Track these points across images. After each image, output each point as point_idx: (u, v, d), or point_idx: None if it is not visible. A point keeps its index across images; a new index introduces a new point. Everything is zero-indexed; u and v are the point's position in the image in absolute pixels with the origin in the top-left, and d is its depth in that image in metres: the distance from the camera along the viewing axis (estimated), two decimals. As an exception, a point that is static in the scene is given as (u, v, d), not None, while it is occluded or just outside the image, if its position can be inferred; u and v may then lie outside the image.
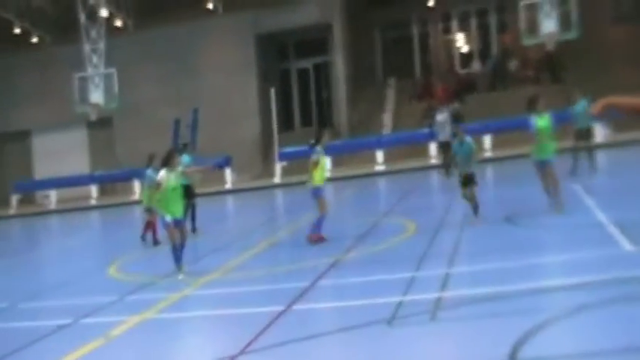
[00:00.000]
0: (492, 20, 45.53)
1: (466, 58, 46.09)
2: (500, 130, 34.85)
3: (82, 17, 42.22)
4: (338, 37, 42.80)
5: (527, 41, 36.49)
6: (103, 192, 45.41)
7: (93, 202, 42.76)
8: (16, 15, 46.17)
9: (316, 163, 16.00)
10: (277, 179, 38.40)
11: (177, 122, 43.86)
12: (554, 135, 16.01)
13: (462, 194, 16.41)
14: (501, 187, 24.40)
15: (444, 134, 27.90)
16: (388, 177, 34.37)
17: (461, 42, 46.52)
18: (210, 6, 44.27)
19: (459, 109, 38.57)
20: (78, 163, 47.54)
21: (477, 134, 35.22)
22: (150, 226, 19.42)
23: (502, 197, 21.06)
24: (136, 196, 38.33)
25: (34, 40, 48.14)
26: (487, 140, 36.03)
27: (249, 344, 8.98)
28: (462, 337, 8.49)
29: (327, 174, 16.55)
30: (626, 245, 11.78)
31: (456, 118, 29.75)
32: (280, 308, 10.51)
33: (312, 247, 15.54)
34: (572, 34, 35.17)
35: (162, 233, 16.67)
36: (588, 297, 9.30)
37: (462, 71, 45.10)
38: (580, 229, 13.93)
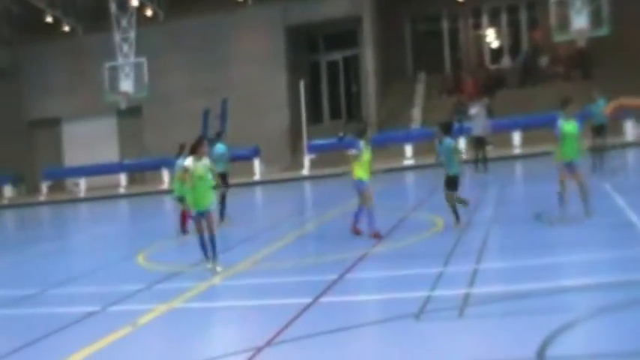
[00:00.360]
0: (523, 16, 45.26)
1: (496, 54, 45.85)
2: (529, 127, 34.68)
3: (113, 6, 42.45)
4: (368, 30, 42.71)
5: (558, 37, 36.25)
6: (132, 180, 45.66)
7: (122, 190, 42.99)
8: (48, 4, 46.47)
9: (357, 157, 15.82)
10: (306, 171, 38.44)
11: (206, 113, 43.93)
12: (581, 138, 15.64)
13: (445, 197, 16.01)
14: (530, 184, 24.27)
15: (478, 128, 27.70)
16: (417, 171, 34.29)
17: (491, 37, 46.29)
18: (240, -3, 44.43)
19: (489, 104, 38.42)
20: (107, 151, 47.80)
21: (506, 130, 35.22)
22: (185, 215, 19.33)
23: (531, 194, 20.96)
24: (165, 185, 38.57)
25: (66, 29, 48.44)
26: (516, 137, 35.90)
27: (276, 336, 8.99)
28: (490, 334, 8.46)
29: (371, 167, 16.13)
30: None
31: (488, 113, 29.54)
32: (307, 300, 10.52)
33: (340, 240, 15.51)
34: (603, 31, 34.88)
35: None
36: (617, 297, 9.23)
37: (491, 67, 44.89)
38: (610, 228, 13.85)
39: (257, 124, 42.35)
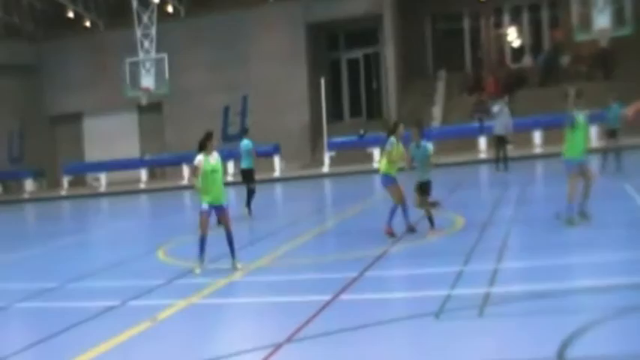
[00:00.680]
0: (544, 15, 45.07)
1: (517, 53, 45.71)
2: (550, 126, 34.47)
3: (135, 2, 42.58)
4: (388, 27, 42.64)
5: (580, 37, 36.08)
6: (152, 176, 45.82)
7: (142, 185, 43.14)
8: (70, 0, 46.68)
9: (390, 153, 15.74)
10: (326, 169, 38.45)
11: (226, 109, 44.14)
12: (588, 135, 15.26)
13: (417, 204, 15.59)
14: (551, 184, 24.15)
15: (500, 127, 27.60)
16: (437, 170, 34.10)
17: (512, 36, 46.12)
18: (261, -6, 44.48)
19: (508, 103, 38.29)
20: (128, 146, 48.00)
21: (527, 130, 35.10)
22: None
23: (552, 194, 20.83)
24: (185, 181, 38.64)
25: (87, 24, 48.70)
26: (537, 136, 35.76)
27: (295, 332, 8.99)
28: (510, 334, 8.43)
29: (402, 164, 15.95)
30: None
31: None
32: (327, 298, 10.52)
33: (360, 238, 15.50)
34: (625, 31, 34.69)
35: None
36: (638, 298, 9.19)
37: (513, 66, 44.73)
38: (631, 228, 13.78)
39: (277, 121, 42.39)
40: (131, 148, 48.23)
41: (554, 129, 33.42)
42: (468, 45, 46.44)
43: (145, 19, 42.75)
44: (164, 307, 11.14)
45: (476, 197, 22.87)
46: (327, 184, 34.89)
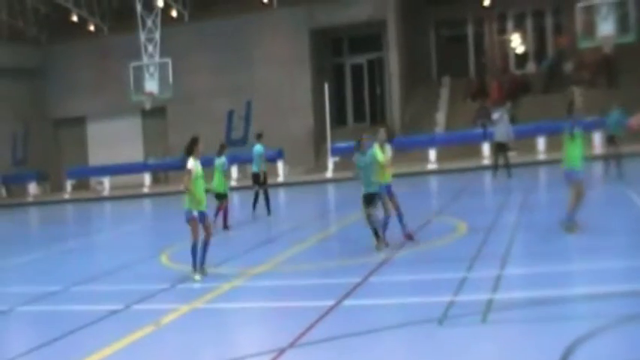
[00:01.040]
0: (548, 21, 45.07)
1: (521, 59, 45.68)
2: (553, 133, 34.47)
3: (139, 7, 42.60)
4: (392, 33, 42.65)
5: (584, 44, 36.02)
6: (155, 180, 45.85)
7: (146, 189, 43.17)
8: (74, 4, 46.77)
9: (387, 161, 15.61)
10: (329, 174, 38.48)
11: (230, 114, 44.21)
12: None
13: (364, 214, 15.00)
14: (554, 191, 24.13)
15: (501, 134, 27.61)
16: (440, 176, 34.24)
17: (516, 42, 46.11)
18: (265, -1, 44.54)
19: (511, 110, 38.30)
20: (131, 151, 48.05)
21: (531, 136, 35.11)
22: (225, 211, 20.51)
23: (556, 200, 20.84)
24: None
25: (91, 28, 48.78)
26: (540, 142, 35.76)
27: (299, 338, 9.01)
28: (513, 341, 8.44)
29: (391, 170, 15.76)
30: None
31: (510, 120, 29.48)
32: (330, 303, 10.52)
33: (363, 243, 15.47)
34: (629, 37, 34.65)
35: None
36: (642, 305, 9.22)
37: (516, 72, 44.73)
38: (634, 236, 13.78)
39: (281, 126, 42.40)
40: (135, 152, 48.28)
41: (558, 135, 33.54)
42: (472, 51, 46.43)
43: (149, 23, 42.79)
44: (167, 311, 11.16)
45: (479, 203, 22.85)
46: (331, 189, 34.88)
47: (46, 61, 50.14)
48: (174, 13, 45.79)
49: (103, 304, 12.21)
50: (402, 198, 24.70)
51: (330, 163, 39.06)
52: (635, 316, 8.73)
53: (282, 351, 8.58)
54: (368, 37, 45.80)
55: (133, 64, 42.70)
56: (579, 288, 10.28)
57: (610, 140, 24.29)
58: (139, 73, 42.55)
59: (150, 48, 42.75)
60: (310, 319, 9.75)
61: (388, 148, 15.43)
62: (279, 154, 39.62)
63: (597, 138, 32.14)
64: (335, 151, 39.28)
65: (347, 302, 10.66)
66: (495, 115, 29.13)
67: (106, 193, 44.30)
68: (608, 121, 24.31)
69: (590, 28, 35.35)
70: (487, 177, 28.68)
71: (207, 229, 13.84)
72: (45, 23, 50.79)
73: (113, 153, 47.63)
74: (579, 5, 35.67)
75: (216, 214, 20.47)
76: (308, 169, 41.91)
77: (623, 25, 34.79)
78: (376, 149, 15.24)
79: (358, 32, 45.45)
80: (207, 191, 14.28)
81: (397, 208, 15.40)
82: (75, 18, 47.56)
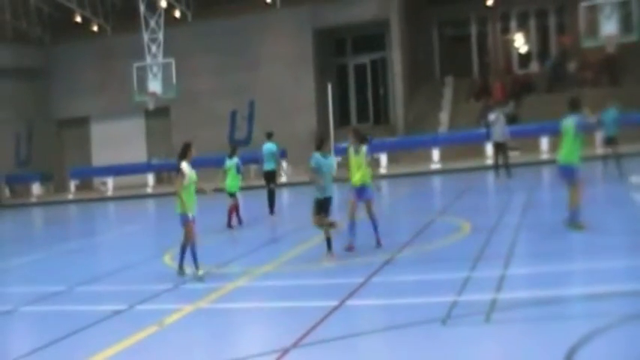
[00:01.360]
0: (552, 21, 45.01)
1: (524, 59, 45.64)
2: (557, 132, 34.41)
3: (142, 7, 42.60)
4: (395, 33, 42.62)
5: (587, 43, 35.93)
6: (159, 180, 45.87)
7: (149, 190, 43.18)
8: (78, 4, 46.80)
9: (371, 163, 15.60)
10: (333, 174, 38.38)
11: (233, 114, 44.20)
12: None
13: (316, 222, 14.64)
14: (558, 190, 24.10)
15: (498, 134, 27.69)
16: (443, 176, 34.23)
17: (519, 42, 46.05)
18: (268, -1, 44.53)
19: (514, 109, 38.29)
20: (135, 151, 48.08)
21: (534, 136, 35.08)
22: (233, 210, 21.02)
23: (559, 200, 20.82)
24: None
25: (95, 28, 48.78)
26: (544, 142, 35.72)
27: (302, 338, 9.02)
28: (517, 340, 8.44)
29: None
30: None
31: (512, 120, 29.56)
32: (334, 303, 10.53)
33: (366, 243, 15.47)
34: (633, 37, 34.58)
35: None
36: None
37: (520, 71, 44.70)
38: (637, 235, 13.76)
39: (284, 126, 42.35)
40: (138, 153, 48.31)
41: (561, 135, 33.50)
42: (475, 51, 46.40)
43: (153, 23, 42.78)
44: (171, 311, 11.18)
45: (482, 203, 22.85)
46: (334, 189, 34.76)
47: (50, 61, 50.19)
48: (177, 14, 45.80)
49: (107, 304, 12.24)
50: (406, 197, 24.84)
51: (334, 162, 39.00)
52: (639, 316, 8.73)
53: (285, 351, 8.59)
54: (371, 37, 45.80)
55: (137, 64, 42.69)
56: (583, 287, 10.27)
57: (609, 140, 24.23)
58: (142, 73, 42.53)
59: (153, 48, 42.75)
60: (314, 319, 9.75)
61: (364, 149, 15.31)
62: (282, 154, 39.61)
63: (599, 138, 32.04)
64: (338, 152, 39.23)
65: (350, 302, 10.67)
66: (491, 117, 29.14)
67: (109, 193, 44.30)
68: (604, 120, 24.17)
69: (593, 28, 35.27)
70: (490, 177, 28.66)
71: (194, 232, 13.92)
72: (48, 24, 50.83)
73: (116, 153, 47.65)
74: (583, 5, 35.58)
75: (230, 214, 21.05)
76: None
77: (626, 24, 34.70)
78: (349, 152, 15.41)
79: (361, 32, 45.46)
80: (198, 192, 14.33)
81: (372, 214, 15.23)
82: (78, 18, 47.57)
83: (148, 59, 42.52)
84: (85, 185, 48.32)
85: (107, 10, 49.29)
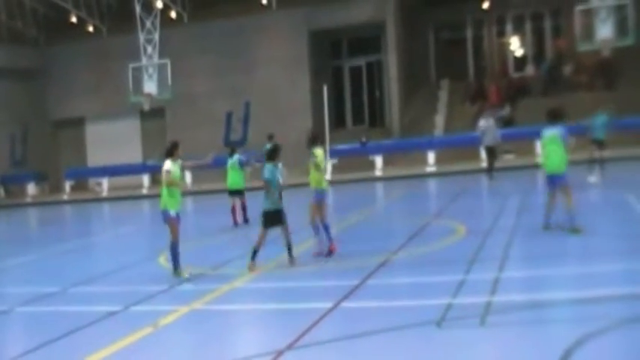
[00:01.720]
0: (547, 24, 45.14)
1: (520, 62, 45.75)
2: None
3: (138, 8, 42.60)
4: (391, 36, 42.68)
5: (583, 47, 36.02)
6: (154, 181, 45.82)
7: (144, 191, 43.15)
8: (73, 4, 46.75)
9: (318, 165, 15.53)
10: (328, 176, 38.36)
11: (229, 115, 44.22)
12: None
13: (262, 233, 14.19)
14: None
15: (488, 138, 27.80)
16: (439, 178, 34.26)
17: (515, 45, 46.17)
18: (264, 1, 44.42)
19: (510, 113, 38.31)
20: (130, 152, 48.05)
21: (529, 139, 35.11)
22: (236, 208, 21.66)
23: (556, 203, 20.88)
24: (188, 187, 38.76)
25: (90, 29, 48.75)
26: (539, 145, 35.68)
27: (297, 340, 9.01)
28: (511, 343, 8.44)
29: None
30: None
31: (508, 122, 29.64)
32: (329, 305, 10.53)
33: (361, 245, 15.49)
34: (628, 41, 34.66)
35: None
36: (640, 308, 9.23)
37: (515, 75, 44.77)
38: (631, 239, 13.78)
39: (279, 128, 42.26)
40: (133, 154, 48.27)
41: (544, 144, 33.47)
42: (471, 54, 46.50)
43: (148, 24, 42.78)
44: (166, 312, 11.17)
45: (477, 206, 22.88)
46: (330, 191, 34.79)
47: (45, 62, 50.13)
48: (173, 15, 45.80)
49: (102, 305, 12.22)
50: (401, 199, 24.88)
51: (329, 165, 39.06)
52: (633, 319, 8.74)
53: (280, 353, 8.58)
54: (367, 40, 45.86)
55: (132, 65, 42.69)
56: (577, 291, 10.27)
57: (597, 143, 24.44)
58: (137, 74, 42.54)
59: (149, 49, 42.75)
60: (309, 321, 9.75)
61: (319, 152, 15.38)
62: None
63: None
64: (333, 154, 39.29)
65: (345, 304, 10.67)
66: (482, 123, 29.21)
67: (104, 194, 44.30)
68: (593, 125, 24.45)
69: (588, 31, 35.35)
70: (485, 179, 28.72)
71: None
72: (43, 24, 50.78)
73: (112, 154, 47.65)
74: (578, 8, 35.69)
75: (234, 212, 21.81)
76: (306, 171, 41.79)
77: (621, 28, 34.79)
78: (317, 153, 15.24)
79: (357, 34, 45.51)
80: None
81: (323, 220, 15.09)
82: (74, 19, 47.54)
83: (144, 60, 42.54)
84: (80, 186, 48.28)
85: (103, 10, 49.27)
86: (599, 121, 24.26)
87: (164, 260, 16.40)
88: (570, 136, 15.10)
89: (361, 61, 46.88)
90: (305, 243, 16.48)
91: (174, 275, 13.82)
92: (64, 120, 50.43)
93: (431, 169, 37.18)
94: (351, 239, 16.78)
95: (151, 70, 42.41)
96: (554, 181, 15.03)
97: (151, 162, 45.89)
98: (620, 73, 38.79)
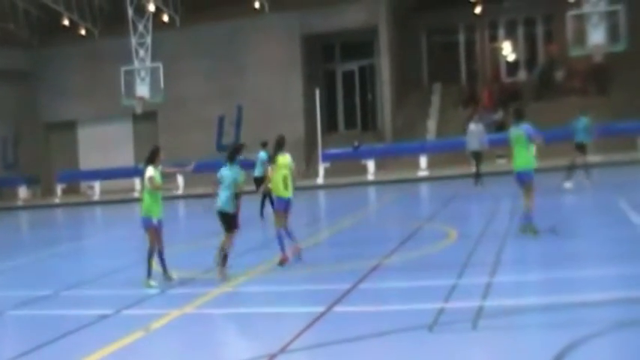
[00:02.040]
0: (539, 29, 45.20)
1: (512, 67, 45.77)
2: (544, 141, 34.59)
3: (130, 11, 42.56)
4: (384, 40, 42.71)
5: (575, 52, 36.06)
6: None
7: (136, 194, 43.04)
8: (65, 7, 46.69)
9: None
10: (320, 180, 38.48)
11: (221, 119, 44.16)
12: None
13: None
14: (544, 198, 24.17)
15: (475, 143, 27.91)
16: (431, 183, 34.30)
17: (507, 50, 46.20)
18: (257, 4, 44.40)
19: (502, 117, 38.35)
20: (122, 155, 47.98)
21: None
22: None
23: (546, 207, 20.90)
24: (180, 191, 38.73)
25: (83, 32, 48.66)
26: (531, 150, 35.78)
27: (289, 344, 9.00)
28: (503, 348, 8.45)
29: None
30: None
31: (499, 127, 29.69)
32: (321, 309, 10.53)
33: (353, 250, 15.49)
34: (620, 46, 34.72)
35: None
36: (632, 313, 9.22)
37: (507, 79, 44.83)
38: (625, 243, 13.80)
39: (272, 132, 41.82)
40: (126, 157, 48.16)
41: (549, 143, 33.55)
42: (463, 58, 46.53)
43: (141, 27, 42.73)
44: (157, 316, 11.15)
45: (469, 210, 22.91)
46: (322, 195, 34.89)
47: (37, 64, 50.00)
48: (165, 18, 45.74)
49: (93, 308, 12.19)
50: (393, 204, 24.89)
51: (321, 169, 39.08)
52: (624, 323, 8.76)
53: (272, 357, 8.57)
54: (360, 44, 45.82)
55: (124, 68, 42.63)
56: (569, 295, 10.29)
57: (579, 147, 24.34)
58: (130, 77, 42.48)
59: (141, 52, 42.70)
60: (300, 325, 9.75)
61: (283, 159, 15.27)
62: (270, 160, 39.58)
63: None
64: (326, 158, 39.31)
65: (337, 308, 10.66)
66: (471, 127, 29.27)
67: (96, 197, 44.21)
68: (575, 129, 24.41)
69: (580, 37, 35.40)
70: (483, 184, 28.75)
71: (161, 237, 14.05)
72: (36, 26, 50.69)
73: (104, 157, 47.56)
74: (570, 13, 35.73)
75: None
76: (299, 174, 41.80)
77: (613, 34, 34.86)
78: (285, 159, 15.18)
79: (350, 38, 45.49)
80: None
81: (286, 227, 14.94)
82: (66, 21, 47.46)
83: (136, 63, 42.50)
84: (71, 189, 48.16)
85: (95, 13, 49.18)
86: (580, 124, 24.26)
87: (155, 264, 16.36)
88: (537, 133, 15.61)
89: (354, 65, 46.84)
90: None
91: (144, 284, 13.69)
92: (56, 123, 50.29)
93: (423, 173, 37.20)
94: (343, 243, 16.79)
95: (143, 73, 42.36)
96: (522, 178, 15.45)
97: (142, 165, 45.81)
98: (612, 78, 38.87)
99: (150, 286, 13.54)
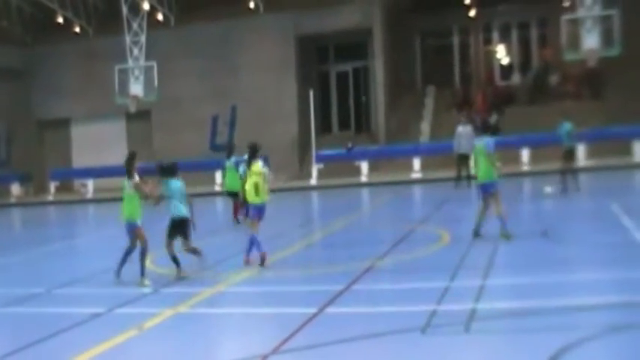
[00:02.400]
0: (533, 33, 45.28)
1: (506, 70, 45.82)
2: (538, 145, 34.70)
3: (124, 9, 42.51)
4: (378, 42, 42.74)
5: (569, 56, 36.11)
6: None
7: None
8: (60, 4, 46.60)
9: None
10: (314, 181, 38.49)
11: (215, 119, 44.10)
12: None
13: (183, 248, 14.45)
14: (537, 202, 24.26)
15: (464, 146, 27.98)
16: (424, 185, 34.33)
17: (501, 53, 46.26)
18: (251, 5, 44.37)
19: (496, 120, 38.38)
20: (115, 154, 47.85)
21: (515, 147, 35.26)
22: (237, 208, 21.97)
23: (538, 212, 21.00)
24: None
25: (77, 30, 48.53)
26: (525, 154, 35.91)
27: (281, 344, 9.02)
28: (496, 350, 8.49)
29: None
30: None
31: (494, 131, 29.69)
32: (313, 310, 10.55)
33: (347, 251, 15.52)
34: (614, 51, 34.78)
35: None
36: (624, 317, 9.26)
37: (501, 83, 44.90)
38: (617, 248, 13.85)
39: (266, 133, 42.29)
40: (119, 155, 47.87)
41: (542, 147, 33.69)
42: (457, 61, 46.59)
43: (135, 26, 42.68)
44: (151, 315, 11.15)
45: (462, 213, 22.88)
46: (315, 196, 34.90)
47: (31, 62, 49.84)
48: (160, 17, 45.64)
49: (86, 307, 12.18)
50: (386, 206, 24.90)
51: (315, 170, 39.09)
52: (617, 327, 8.80)
53: (264, 357, 8.59)
54: (354, 45, 45.83)
55: (118, 66, 42.58)
56: (562, 299, 10.32)
57: (567, 154, 24.33)
58: (124, 76, 42.42)
59: (135, 51, 42.65)
60: (293, 326, 9.76)
61: (260, 165, 15.64)
62: (264, 161, 39.57)
63: (581, 150, 32.12)
64: (319, 159, 39.32)
65: (330, 310, 10.69)
66: (459, 129, 29.35)
67: (89, 195, 44.11)
68: (560, 134, 24.37)
69: (575, 41, 35.45)
70: (471, 187, 28.81)
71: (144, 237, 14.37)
72: (30, 24, 50.55)
73: (97, 155, 47.38)
74: (564, 18, 35.78)
75: (236, 211, 22.34)
76: (292, 176, 41.87)
77: (607, 38, 34.91)
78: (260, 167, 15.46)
79: (344, 40, 45.47)
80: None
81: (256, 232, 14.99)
82: (60, 19, 47.33)
83: (130, 62, 42.45)
84: (65, 187, 48.03)
85: (89, 11, 49.07)
86: (563, 130, 24.23)
87: (149, 263, 16.36)
88: (493, 149, 15.92)
89: (348, 67, 46.85)
90: (290, 248, 16.49)
91: (138, 283, 13.76)
92: (50, 120, 50.17)
93: (416, 175, 37.23)
94: (336, 245, 16.81)
95: (137, 72, 42.32)
96: (484, 189, 15.95)
97: (136, 164, 45.75)
98: (606, 82, 38.96)
99: (144, 286, 13.54)
